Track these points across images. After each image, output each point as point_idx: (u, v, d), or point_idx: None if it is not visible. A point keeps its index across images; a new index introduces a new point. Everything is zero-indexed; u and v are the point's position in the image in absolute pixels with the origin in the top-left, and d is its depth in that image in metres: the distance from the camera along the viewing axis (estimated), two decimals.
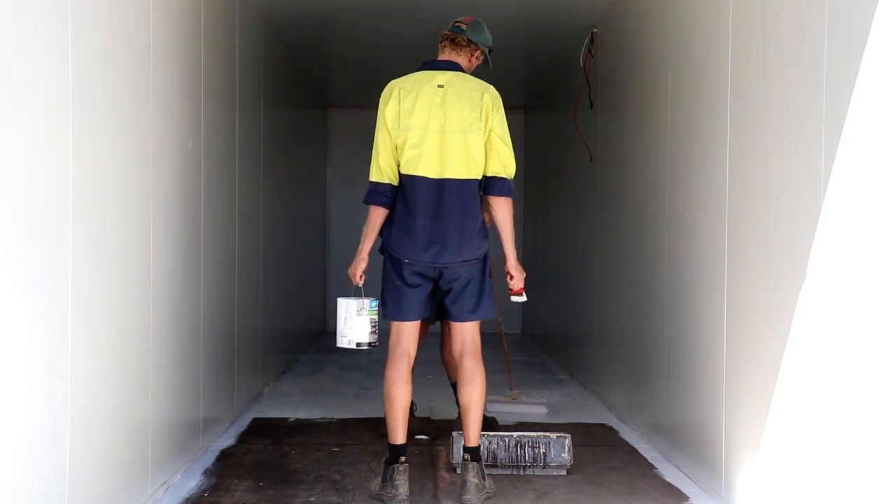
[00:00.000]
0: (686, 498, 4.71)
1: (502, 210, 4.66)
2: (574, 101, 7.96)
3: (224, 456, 5.44)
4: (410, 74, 4.67)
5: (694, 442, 5.02)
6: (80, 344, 3.50)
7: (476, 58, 4.81)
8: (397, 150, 4.58)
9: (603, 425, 6.42)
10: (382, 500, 4.51)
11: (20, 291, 3.04)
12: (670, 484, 4.95)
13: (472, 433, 4.61)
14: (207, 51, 5.53)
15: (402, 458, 4.54)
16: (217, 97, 5.81)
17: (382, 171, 4.59)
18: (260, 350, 7.45)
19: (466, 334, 4.67)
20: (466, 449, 4.60)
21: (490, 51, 4.91)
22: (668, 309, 5.52)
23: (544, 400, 6.50)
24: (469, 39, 4.75)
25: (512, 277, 4.76)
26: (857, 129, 3.35)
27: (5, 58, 2.93)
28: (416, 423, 5.70)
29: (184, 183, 5.03)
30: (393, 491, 4.46)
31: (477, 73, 4.88)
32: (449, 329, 4.87)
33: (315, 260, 11.50)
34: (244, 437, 5.94)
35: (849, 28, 3.39)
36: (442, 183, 4.54)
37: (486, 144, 4.60)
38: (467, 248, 4.57)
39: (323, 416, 6.68)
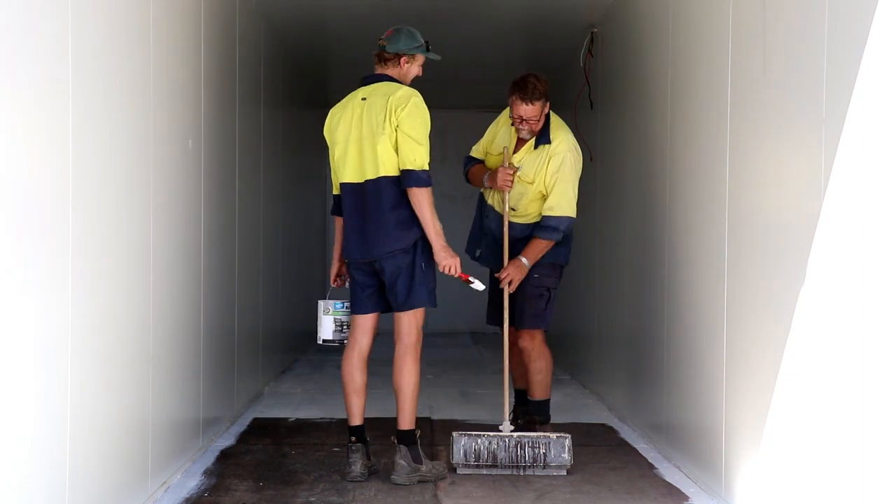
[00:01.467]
0: (686, 498, 4.71)
1: (415, 200, 4.88)
2: (574, 101, 7.96)
3: (224, 456, 5.44)
4: (351, 93, 5.11)
5: (694, 442, 5.01)
6: (80, 344, 3.50)
7: (405, 63, 5.08)
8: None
9: (603, 425, 6.41)
10: (342, 476, 4.97)
11: (21, 291, 3.04)
12: (670, 484, 4.95)
13: (400, 417, 4.96)
14: (207, 51, 5.53)
15: (353, 438, 4.97)
16: (217, 97, 5.81)
17: (334, 184, 5.13)
18: (260, 350, 7.45)
19: (402, 325, 5.03)
20: (396, 432, 4.95)
21: (428, 48, 5.19)
22: (668, 309, 5.52)
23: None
24: (391, 52, 5.06)
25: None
26: (857, 129, 3.34)
27: (5, 58, 2.93)
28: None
29: (184, 183, 5.03)
30: (347, 468, 4.93)
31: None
32: (514, 337, 5.65)
33: (315, 260, 11.49)
34: (244, 437, 5.94)
35: (849, 28, 3.39)
36: (362, 186, 4.95)
37: (396, 142, 4.88)
38: (388, 239, 4.91)
39: (323, 416, 6.68)
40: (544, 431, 5.55)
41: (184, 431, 5.10)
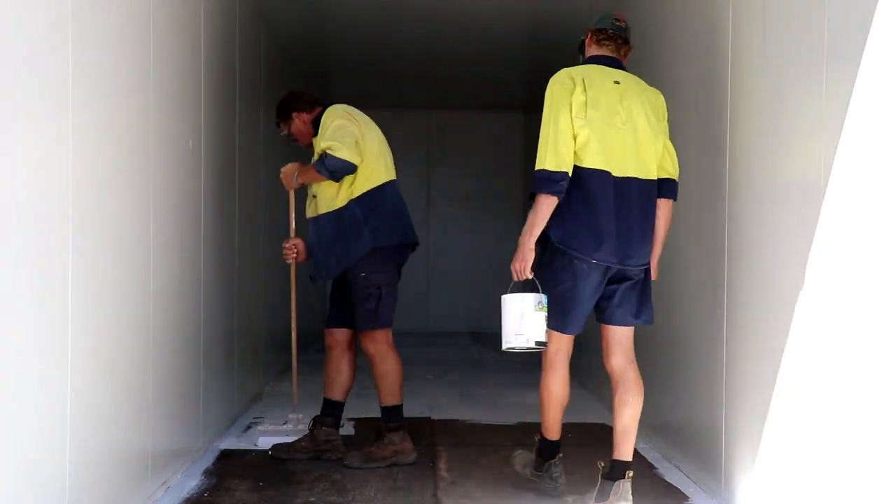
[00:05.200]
0: (686, 498, 4.71)
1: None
2: None
3: (224, 456, 5.44)
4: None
5: (694, 442, 5.01)
6: (80, 344, 3.50)
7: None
8: None
9: (603, 425, 6.41)
10: (539, 489, 4.73)
11: (22, 290, 3.04)
12: (670, 484, 4.95)
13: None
14: (207, 51, 5.53)
15: (560, 455, 4.72)
16: (217, 97, 5.81)
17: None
18: (260, 350, 7.45)
19: (629, 337, 4.62)
20: (621, 464, 4.45)
21: (600, 22, 4.70)
22: (668, 309, 5.52)
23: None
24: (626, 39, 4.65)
25: None
26: (857, 128, 3.35)
27: (5, 58, 2.93)
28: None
29: (184, 183, 5.03)
30: (552, 483, 4.70)
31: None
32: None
33: None
34: (244, 437, 5.93)
35: (849, 28, 3.39)
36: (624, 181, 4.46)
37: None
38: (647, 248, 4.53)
39: None
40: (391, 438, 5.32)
41: (184, 431, 5.10)
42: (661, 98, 4.58)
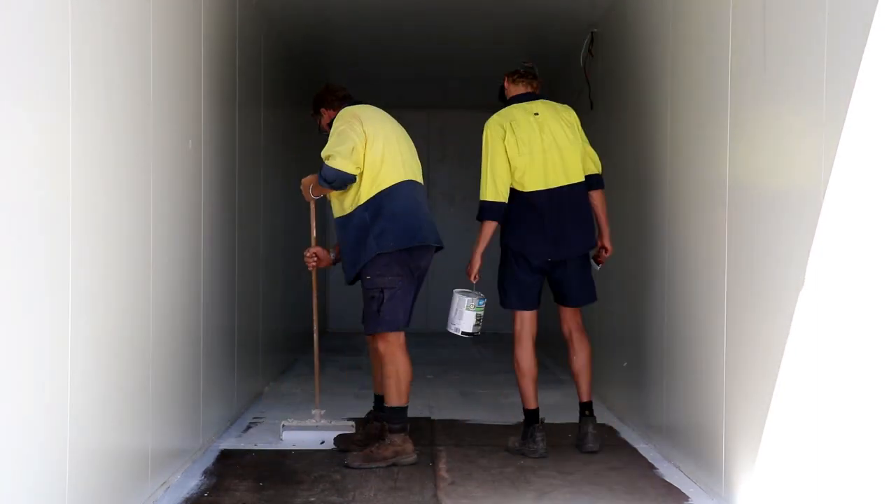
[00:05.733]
0: (686, 498, 4.71)
1: (602, 200, 5.92)
2: (573, 100, 7.95)
3: (224, 456, 5.44)
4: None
5: (694, 442, 5.02)
6: (79, 344, 3.50)
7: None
8: None
9: (603, 425, 6.41)
10: (524, 454, 5.48)
11: (21, 288, 3.04)
12: (670, 484, 4.95)
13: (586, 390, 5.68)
14: (207, 51, 5.53)
15: (543, 418, 5.57)
16: (217, 97, 5.81)
17: (508, 187, 5.72)
18: (260, 350, 7.45)
19: (579, 317, 5.89)
20: (584, 405, 5.65)
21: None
22: (668, 309, 5.52)
23: (351, 423, 5.94)
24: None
25: None
26: (857, 128, 3.35)
27: (5, 58, 2.93)
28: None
29: (184, 183, 5.03)
30: (534, 445, 5.48)
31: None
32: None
33: None
34: (244, 437, 5.93)
35: (849, 28, 3.39)
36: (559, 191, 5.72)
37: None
38: (587, 237, 5.80)
39: None
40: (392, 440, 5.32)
41: (184, 431, 5.10)
42: (573, 112, 5.72)
